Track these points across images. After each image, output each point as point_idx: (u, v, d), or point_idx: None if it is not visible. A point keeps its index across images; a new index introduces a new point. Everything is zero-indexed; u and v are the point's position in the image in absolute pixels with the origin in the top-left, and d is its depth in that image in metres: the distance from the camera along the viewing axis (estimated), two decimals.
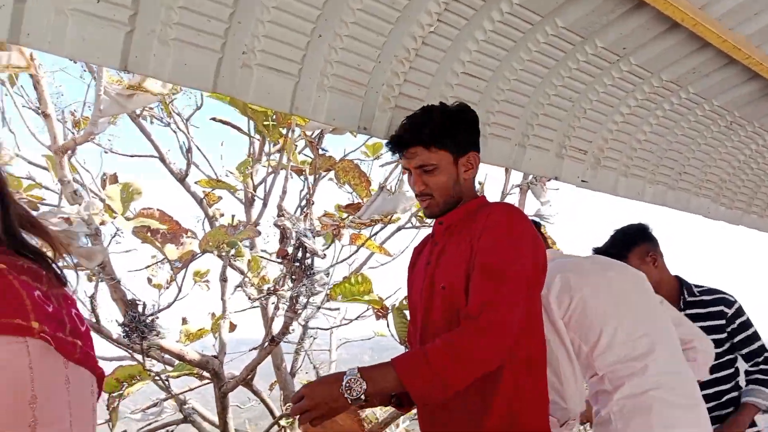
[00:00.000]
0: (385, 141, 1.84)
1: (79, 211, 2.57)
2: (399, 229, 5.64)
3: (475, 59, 2.19)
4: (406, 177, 1.79)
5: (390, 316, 4.08)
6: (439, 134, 1.64)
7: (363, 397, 1.38)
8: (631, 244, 2.50)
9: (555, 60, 2.36)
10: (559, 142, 2.68)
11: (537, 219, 3.51)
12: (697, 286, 2.58)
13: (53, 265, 1.02)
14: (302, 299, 2.92)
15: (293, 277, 2.88)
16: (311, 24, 1.82)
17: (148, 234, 3.07)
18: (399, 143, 1.69)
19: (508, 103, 2.41)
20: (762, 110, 3.13)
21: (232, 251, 3.03)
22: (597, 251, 2.52)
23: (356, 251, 5.00)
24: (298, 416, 1.43)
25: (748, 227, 3.99)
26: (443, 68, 2.17)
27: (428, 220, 3.88)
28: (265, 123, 3.28)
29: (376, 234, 5.29)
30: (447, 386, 1.38)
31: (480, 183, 5.54)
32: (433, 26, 2.02)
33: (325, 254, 2.97)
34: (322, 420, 1.42)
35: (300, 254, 2.86)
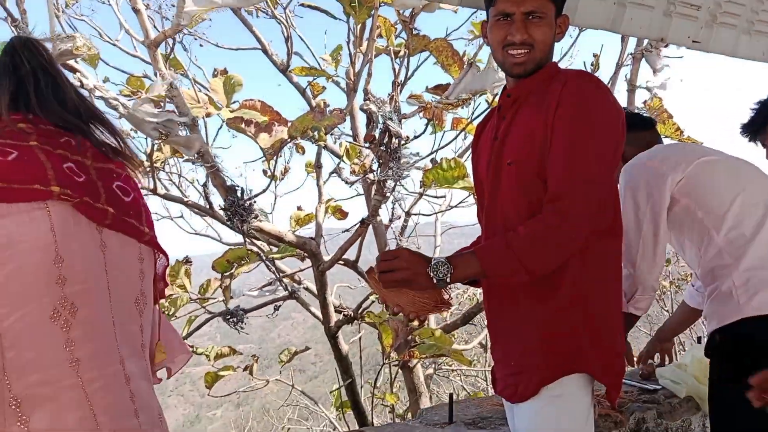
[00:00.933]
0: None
1: (159, 95, 2.69)
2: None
3: None
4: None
5: None
6: None
7: (447, 279, 1.39)
8: None
9: None
10: None
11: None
12: None
13: (106, 141, 1.09)
14: (389, 183, 2.95)
15: (380, 161, 2.90)
16: None
17: (242, 125, 3.19)
18: None
19: None
20: None
21: (315, 135, 3.07)
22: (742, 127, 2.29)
23: (457, 136, 4.94)
24: (378, 271, 1.43)
25: None
26: None
27: None
28: (352, 4, 3.19)
29: (478, 117, 5.16)
30: (530, 273, 1.37)
31: (595, 55, 5.15)
32: None
33: (408, 137, 2.94)
34: (398, 285, 1.44)
35: (386, 138, 2.85)
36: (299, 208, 5.73)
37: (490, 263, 1.39)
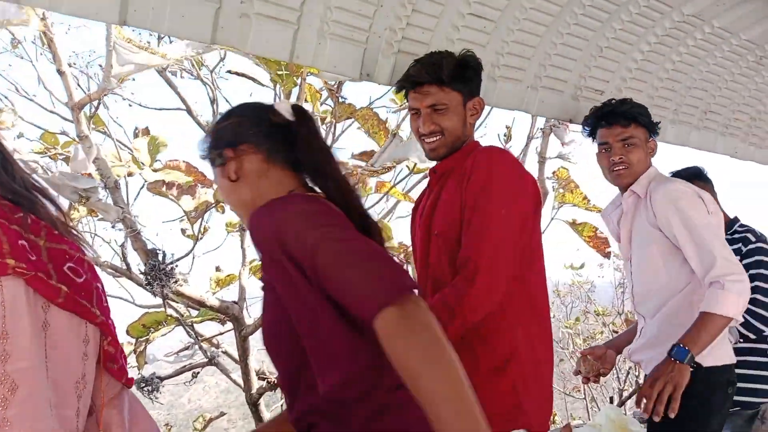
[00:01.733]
0: (389, 86, 1.90)
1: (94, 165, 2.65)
2: (425, 176, 5.66)
3: None
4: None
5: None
6: (453, 75, 1.70)
7: None
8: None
9: None
10: (574, 83, 2.62)
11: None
12: (741, 225, 2.59)
13: (58, 220, 1.07)
14: None
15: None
16: None
17: (164, 188, 3.16)
18: (413, 81, 1.76)
19: (519, 44, 2.35)
20: None
21: None
22: None
23: (380, 199, 5.07)
24: None
25: None
26: (448, 10, 2.13)
27: None
28: (279, 72, 3.29)
29: (400, 181, 5.33)
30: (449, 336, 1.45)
31: (508, 127, 5.50)
32: None
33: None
34: None
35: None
36: (218, 269, 5.62)
37: None
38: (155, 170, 3.68)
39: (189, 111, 4.61)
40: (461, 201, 1.61)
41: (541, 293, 1.73)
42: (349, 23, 1.97)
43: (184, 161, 4.00)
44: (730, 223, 2.57)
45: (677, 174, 2.64)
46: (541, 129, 4.32)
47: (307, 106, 4.51)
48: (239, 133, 1.30)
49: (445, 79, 1.70)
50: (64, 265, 1.02)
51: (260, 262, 1.19)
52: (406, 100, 1.87)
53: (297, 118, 1.32)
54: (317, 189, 1.28)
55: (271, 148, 1.28)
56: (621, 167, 2.10)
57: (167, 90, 4.98)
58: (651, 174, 2.13)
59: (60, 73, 2.92)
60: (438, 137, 1.73)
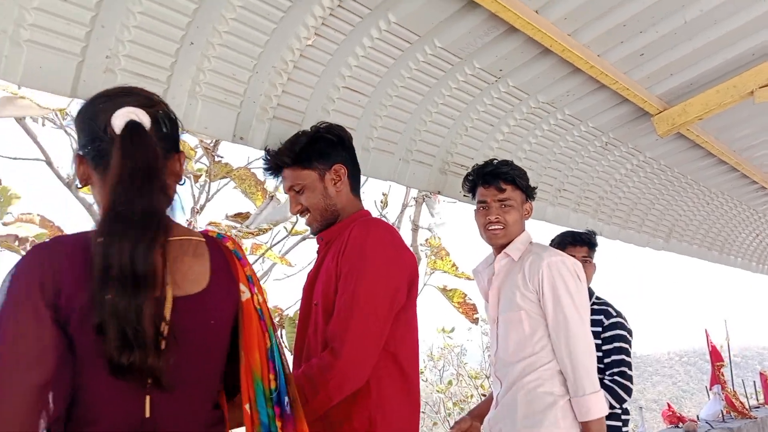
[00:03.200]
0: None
1: None
2: (303, 239, 5.63)
3: (356, 74, 2.23)
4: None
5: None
6: (298, 156, 1.78)
7: None
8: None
9: (435, 79, 2.44)
10: (441, 158, 2.77)
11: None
12: (598, 298, 2.80)
13: None
14: None
15: None
16: (181, 31, 1.79)
17: (15, 243, 2.90)
18: (271, 170, 1.86)
19: (391, 118, 2.46)
20: (634, 132, 3.36)
21: None
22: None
23: (256, 261, 4.96)
24: None
25: (625, 242, 4.26)
26: (323, 82, 2.19)
27: None
28: None
29: (276, 243, 5.26)
30: (310, 411, 1.42)
31: (384, 194, 5.66)
32: (310, 40, 2.04)
33: None
34: None
35: None
36: None
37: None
38: (5, 224, 3.37)
39: (49, 162, 4.31)
40: (336, 272, 1.62)
41: (412, 367, 1.71)
42: (223, 86, 1.96)
43: (38, 214, 3.71)
44: (589, 293, 2.76)
45: (555, 240, 2.86)
46: (414, 198, 4.49)
47: None
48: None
49: (291, 162, 1.79)
50: None
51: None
52: None
53: None
54: None
55: None
56: (497, 227, 2.17)
57: (24, 138, 4.65)
58: (525, 239, 2.20)
59: None
60: (307, 215, 1.80)
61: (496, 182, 2.20)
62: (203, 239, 1.22)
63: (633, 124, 3.24)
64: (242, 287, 1.20)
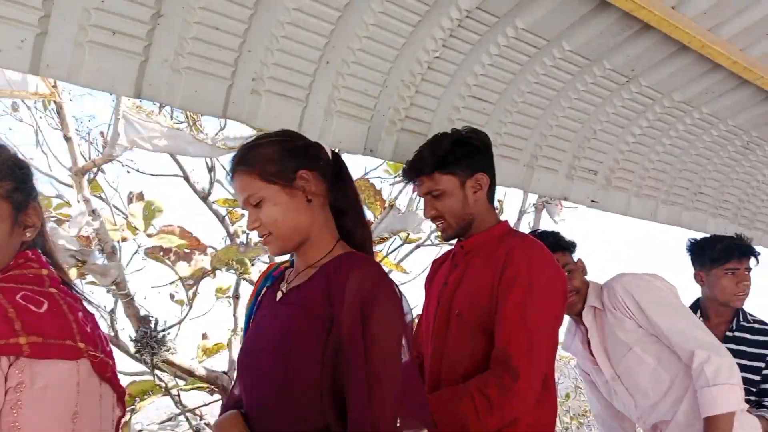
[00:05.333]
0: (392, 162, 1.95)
1: (92, 229, 2.66)
2: (418, 246, 5.68)
3: (482, 83, 2.23)
4: (415, 195, 1.90)
5: None
6: (440, 161, 1.71)
7: None
8: None
9: (563, 82, 2.38)
10: (568, 163, 2.70)
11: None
12: (751, 315, 2.54)
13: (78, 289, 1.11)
14: None
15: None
16: (319, 51, 1.87)
17: (161, 254, 3.16)
18: (407, 174, 1.81)
19: (516, 125, 2.43)
20: None
21: (241, 268, 3.09)
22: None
23: None
24: None
25: None
26: (449, 91, 2.21)
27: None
28: None
29: (393, 251, 5.35)
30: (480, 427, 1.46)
31: (499, 201, 5.58)
32: (438, 51, 2.06)
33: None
34: None
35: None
36: (204, 336, 5.52)
37: (444, 417, 1.45)
38: (150, 235, 3.68)
39: (186, 178, 4.66)
40: (492, 288, 1.59)
41: (553, 383, 1.70)
42: (355, 102, 2.03)
43: (178, 226, 4.01)
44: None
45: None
46: (533, 204, 4.39)
47: None
48: (311, 159, 1.31)
49: (431, 168, 1.72)
50: (99, 331, 1.06)
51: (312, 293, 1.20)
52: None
53: (334, 159, 1.36)
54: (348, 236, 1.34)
55: (328, 184, 1.31)
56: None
57: (164, 156, 5.05)
58: (594, 286, 2.13)
59: (66, 138, 2.97)
60: (441, 221, 1.75)
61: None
62: None
63: None
64: None
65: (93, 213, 2.83)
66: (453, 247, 1.85)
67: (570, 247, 2.25)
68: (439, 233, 1.83)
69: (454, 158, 1.72)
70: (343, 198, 1.34)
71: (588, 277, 2.20)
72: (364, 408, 1.05)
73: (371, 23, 1.90)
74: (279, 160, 1.28)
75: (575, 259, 2.23)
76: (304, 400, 1.11)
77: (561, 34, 2.16)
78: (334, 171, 1.35)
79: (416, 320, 1.94)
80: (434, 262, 1.97)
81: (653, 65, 2.41)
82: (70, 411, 0.93)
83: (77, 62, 1.56)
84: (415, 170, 1.77)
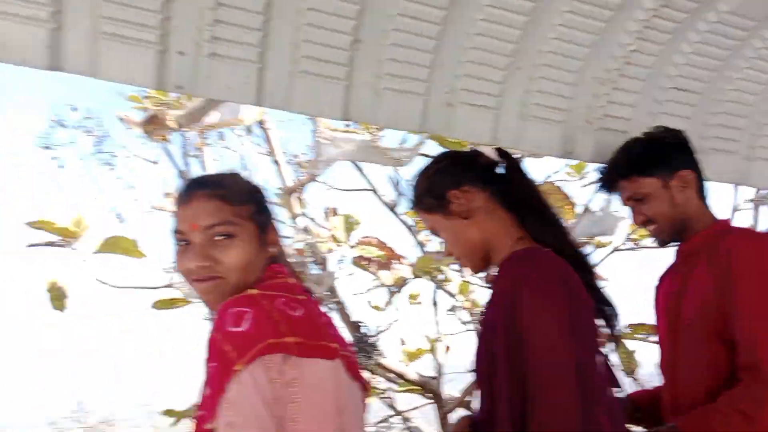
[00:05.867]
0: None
1: (305, 243, 2.94)
2: (614, 250, 5.37)
3: (684, 72, 2.09)
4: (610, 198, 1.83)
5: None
6: (636, 165, 1.67)
7: None
8: None
9: None
10: None
11: None
12: None
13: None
14: None
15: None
16: (509, 58, 1.90)
17: (364, 263, 3.38)
18: (609, 179, 1.77)
19: (728, 114, 2.23)
20: None
21: (441, 276, 3.20)
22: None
23: None
24: None
25: None
26: (648, 85, 2.10)
27: (647, 242, 3.67)
28: None
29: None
30: None
31: None
32: (633, 45, 1.97)
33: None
34: None
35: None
36: (403, 342, 5.74)
37: None
38: (351, 247, 3.95)
39: (375, 191, 4.92)
40: (719, 290, 1.50)
41: None
42: (547, 104, 2.02)
43: (375, 237, 4.24)
44: None
45: None
46: (751, 200, 3.95)
47: None
48: (458, 174, 1.36)
49: (627, 173, 1.68)
50: (338, 332, 1.17)
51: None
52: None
53: (504, 159, 1.38)
54: (532, 231, 1.32)
55: (492, 188, 1.34)
56: None
57: (352, 173, 5.38)
58: None
59: (275, 162, 3.34)
60: (652, 226, 1.68)
61: None
62: None
63: None
64: None
65: (305, 228, 3.14)
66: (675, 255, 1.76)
67: None
68: (654, 238, 1.73)
69: (650, 159, 1.68)
70: (514, 196, 1.34)
71: None
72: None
73: (558, 24, 1.88)
74: (428, 191, 1.36)
75: None
76: None
77: None
78: (507, 170, 1.36)
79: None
80: (660, 277, 1.86)
81: None
82: (335, 407, 1.02)
83: (292, 92, 1.75)
84: (612, 177, 1.74)
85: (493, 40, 1.86)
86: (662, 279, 1.79)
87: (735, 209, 4.34)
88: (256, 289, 1.06)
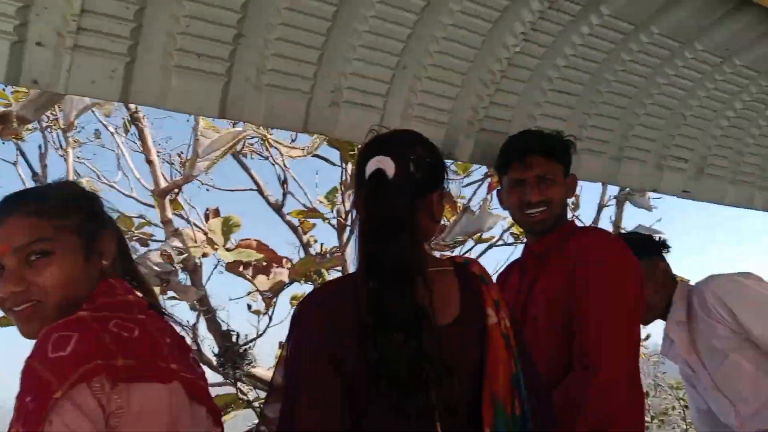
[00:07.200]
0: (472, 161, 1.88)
1: (174, 247, 2.73)
2: (490, 246, 5.57)
3: (564, 75, 2.13)
4: (495, 193, 1.84)
5: None
6: (561, 148, 1.73)
7: None
8: None
9: (651, 68, 2.25)
10: (657, 153, 2.55)
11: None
12: None
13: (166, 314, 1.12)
14: None
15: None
16: (396, 57, 1.83)
17: (240, 268, 3.21)
18: (521, 150, 1.73)
19: (601, 116, 2.31)
20: None
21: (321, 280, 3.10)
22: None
23: None
24: None
25: None
26: (530, 87, 2.12)
27: (522, 237, 3.80)
28: (351, 152, 3.35)
29: (467, 252, 5.26)
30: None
31: (576, 195, 5.40)
32: (518, 46, 1.98)
33: None
34: None
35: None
36: (281, 346, 5.58)
37: None
38: (229, 250, 3.74)
39: (260, 191, 4.73)
40: (566, 288, 1.54)
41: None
42: (433, 105, 1.98)
43: (255, 240, 4.06)
44: None
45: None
46: (614, 197, 4.22)
47: None
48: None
49: (553, 151, 1.71)
50: (189, 354, 1.07)
51: None
52: (499, 176, 1.86)
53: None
54: None
55: None
56: None
57: (236, 171, 5.14)
58: (683, 289, 2.00)
59: (149, 162, 3.06)
60: (544, 208, 1.68)
61: None
62: (452, 267, 1.22)
63: None
64: (489, 311, 1.18)
65: (175, 232, 2.90)
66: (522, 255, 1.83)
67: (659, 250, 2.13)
68: (534, 222, 1.71)
69: (564, 151, 1.76)
70: None
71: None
72: None
73: (449, 23, 1.84)
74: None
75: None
76: None
77: (650, 17, 2.04)
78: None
79: None
80: (500, 276, 1.91)
81: (750, 42, 2.24)
82: None
83: (164, 88, 1.57)
84: (538, 146, 1.72)
85: (381, 38, 1.78)
86: (504, 279, 1.83)
87: (600, 206, 4.64)
88: (86, 311, 0.95)
